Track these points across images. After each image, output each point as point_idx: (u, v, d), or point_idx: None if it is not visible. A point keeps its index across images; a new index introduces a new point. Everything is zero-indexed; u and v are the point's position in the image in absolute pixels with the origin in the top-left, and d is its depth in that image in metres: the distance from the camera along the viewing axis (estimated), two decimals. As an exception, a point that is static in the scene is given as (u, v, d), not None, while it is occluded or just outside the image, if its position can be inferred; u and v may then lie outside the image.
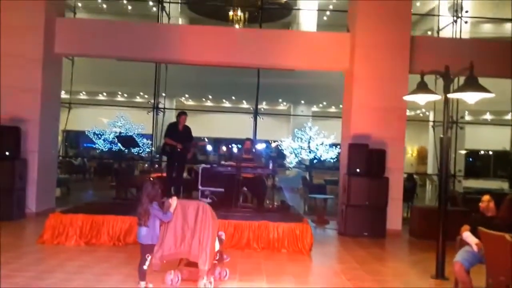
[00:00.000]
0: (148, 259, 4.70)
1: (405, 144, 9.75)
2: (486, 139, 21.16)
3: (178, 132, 9.30)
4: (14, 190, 8.40)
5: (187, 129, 9.47)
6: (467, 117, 16.78)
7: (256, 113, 12.32)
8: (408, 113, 9.49)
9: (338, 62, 9.77)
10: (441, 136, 6.09)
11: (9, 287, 4.61)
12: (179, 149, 9.13)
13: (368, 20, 9.29)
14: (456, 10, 12.53)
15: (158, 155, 14.09)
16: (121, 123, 19.88)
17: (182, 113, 9.60)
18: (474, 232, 4.76)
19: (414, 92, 6.15)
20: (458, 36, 12.30)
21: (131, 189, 10.01)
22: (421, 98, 6.18)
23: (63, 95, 12.13)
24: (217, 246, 5.07)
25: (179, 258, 5.09)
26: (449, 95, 5.88)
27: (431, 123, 15.08)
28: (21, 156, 8.76)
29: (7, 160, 8.43)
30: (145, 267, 4.68)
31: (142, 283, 4.67)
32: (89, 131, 19.96)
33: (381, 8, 9.23)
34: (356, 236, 8.40)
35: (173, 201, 4.97)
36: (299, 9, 20.26)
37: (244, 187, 9.02)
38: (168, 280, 4.93)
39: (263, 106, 21.37)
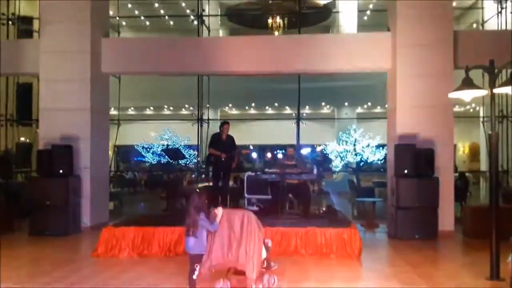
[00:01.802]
0: (197, 268, 4.80)
1: (455, 141, 9.45)
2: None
3: (221, 142, 9.44)
4: (69, 206, 8.76)
5: (231, 138, 9.60)
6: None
7: (298, 118, 12.32)
8: (457, 109, 9.25)
9: (380, 63, 9.63)
10: (490, 132, 5.89)
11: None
12: (223, 159, 9.26)
13: (408, 18, 9.11)
14: (501, 1, 12.07)
15: (204, 166, 14.32)
16: (167, 135, 20.37)
17: (224, 123, 9.74)
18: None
19: (459, 88, 5.97)
20: (503, 28, 11.84)
21: (180, 200, 10.22)
22: (467, 94, 5.99)
23: (112, 111, 12.58)
24: (264, 254, 5.11)
25: (227, 267, 5.16)
26: (495, 90, 5.68)
27: (481, 119, 14.54)
28: (74, 173, 9.14)
29: (62, 178, 8.82)
30: (194, 276, 4.78)
31: (193, 293, 4.77)
32: (138, 145, 20.57)
33: (421, 4, 9.03)
34: (407, 239, 8.21)
35: (219, 211, 5.07)
36: (337, 12, 20.12)
37: (289, 194, 9.03)
38: (218, 288, 5.01)
39: (305, 110, 21.34)
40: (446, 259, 7.20)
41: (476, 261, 6.58)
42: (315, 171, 8.79)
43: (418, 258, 6.91)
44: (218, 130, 9.85)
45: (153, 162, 20.34)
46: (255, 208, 9.00)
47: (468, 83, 5.90)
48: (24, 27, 13.36)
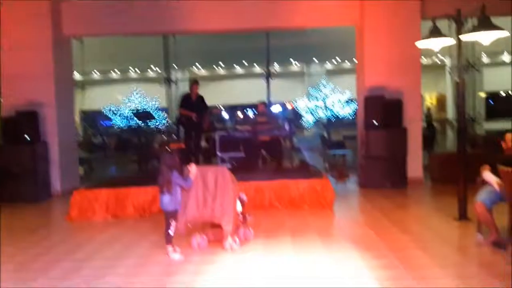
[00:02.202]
0: (173, 224, 4.83)
1: (423, 93, 9.58)
2: (505, 80, 20.66)
3: (192, 102, 9.34)
4: (38, 173, 8.61)
5: (201, 98, 9.49)
6: (484, 59, 16.39)
7: (268, 75, 12.25)
8: (424, 61, 9.30)
9: (347, 16, 9.53)
10: (457, 80, 5.98)
11: (43, 264, 4.78)
12: (194, 119, 9.18)
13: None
14: None
15: (175, 127, 14.20)
16: (135, 98, 20.00)
17: (193, 82, 9.61)
18: (494, 172, 4.74)
19: (427, 37, 6.01)
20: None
21: (152, 162, 10.15)
22: (434, 44, 6.04)
23: (76, 76, 12.23)
24: (239, 207, 5.17)
25: (203, 222, 5.20)
26: (463, 38, 5.73)
27: (448, 69, 14.78)
28: (41, 139, 8.94)
29: (28, 144, 8.61)
30: (171, 232, 4.81)
31: (170, 248, 4.80)
32: (105, 109, 20.15)
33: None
34: (378, 188, 8.42)
35: (192, 168, 5.06)
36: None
37: (262, 150, 9.07)
38: (194, 243, 5.06)
39: (275, 68, 21.20)
40: (415, 205, 7.45)
41: (444, 204, 6.82)
42: (286, 126, 8.81)
43: (388, 205, 7.11)
44: (188, 91, 9.71)
45: (121, 126, 20.00)
46: (228, 165, 9.01)
47: (435, 32, 5.94)
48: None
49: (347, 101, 18.10)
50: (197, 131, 9.54)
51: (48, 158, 9.03)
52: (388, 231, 5.53)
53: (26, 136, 8.61)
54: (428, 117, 14.19)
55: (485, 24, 5.23)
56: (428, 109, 18.91)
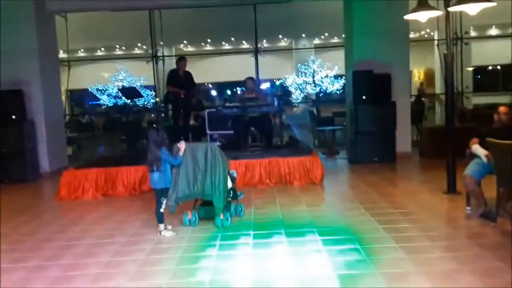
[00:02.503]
0: (164, 202, 4.82)
1: (411, 67, 9.58)
2: (493, 54, 20.67)
3: (179, 79, 9.22)
4: (26, 152, 8.52)
5: (188, 75, 9.37)
6: (472, 33, 16.35)
7: (256, 51, 12.13)
8: (412, 35, 9.26)
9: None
10: (445, 52, 5.96)
11: (33, 243, 4.76)
12: (182, 96, 9.09)
13: None
14: None
15: (163, 105, 14.08)
16: (122, 76, 19.74)
17: (181, 59, 9.47)
18: (483, 145, 4.77)
19: (414, 10, 5.96)
20: None
21: (141, 140, 10.08)
22: (422, 16, 6.00)
23: (61, 54, 12.00)
24: (229, 184, 5.17)
25: (194, 199, 5.20)
26: (450, 9, 5.69)
27: (436, 42, 14.73)
28: (28, 118, 8.81)
29: (15, 123, 8.49)
30: (161, 210, 4.80)
31: (161, 226, 4.81)
32: (92, 88, 19.89)
33: None
34: (367, 163, 8.47)
35: (182, 145, 5.04)
36: None
37: (251, 127, 9.04)
38: (186, 220, 5.06)
39: (263, 44, 21.00)
40: (404, 179, 7.52)
41: (433, 178, 6.90)
42: (275, 103, 8.76)
43: (377, 180, 7.17)
44: (175, 67, 9.59)
45: (109, 105, 19.77)
46: (217, 143, 8.98)
47: (423, 4, 5.90)
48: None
49: (335, 77, 18.02)
50: (186, 109, 9.46)
51: (35, 137, 8.92)
52: (377, 205, 5.57)
53: (12, 115, 8.47)
54: (421, 92, 14.22)
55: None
56: (421, 83, 18.93)
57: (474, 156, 4.92)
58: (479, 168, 4.81)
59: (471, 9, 5.32)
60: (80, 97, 23.99)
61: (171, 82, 9.28)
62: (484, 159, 4.71)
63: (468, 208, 5.01)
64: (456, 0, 5.47)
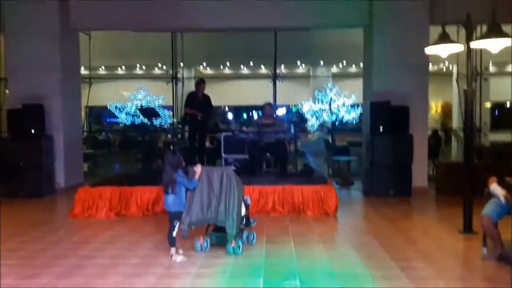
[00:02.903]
0: (177, 225, 4.80)
1: (429, 100, 9.54)
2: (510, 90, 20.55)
3: (197, 101, 9.31)
4: (42, 167, 8.61)
5: (206, 98, 9.47)
6: (491, 69, 16.32)
7: (275, 77, 12.21)
8: (431, 67, 9.26)
9: (356, 18, 9.53)
10: (465, 88, 5.94)
11: (46, 260, 4.77)
12: (199, 118, 9.16)
13: (386, -27, 9.00)
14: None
15: (180, 126, 14.19)
16: (141, 95, 20.00)
17: (200, 81, 9.58)
18: (501, 184, 4.70)
19: (436, 43, 5.96)
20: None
21: (156, 160, 10.13)
22: (443, 50, 5.97)
23: (83, 71, 12.22)
24: (243, 211, 5.14)
25: (207, 224, 5.18)
26: (472, 45, 5.69)
27: (454, 77, 14.71)
28: (47, 133, 8.93)
29: (33, 138, 8.61)
30: (174, 234, 4.78)
31: (173, 250, 4.78)
32: (111, 105, 20.15)
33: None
34: (382, 195, 8.38)
35: (198, 168, 5.05)
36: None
37: (267, 153, 9.05)
38: (197, 245, 5.03)
39: (281, 70, 21.17)
40: (420, 214, 7.39)
41: (449, 216, 6.79)
42: (292, 130, 8.77)
43: (392, 214, 7.08)
44: (194, 89, 9.69)
45: (126, 123, 20.00)
46: (232, 167, 8.98)
47: (444, 38, 5.89)
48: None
49: (352, 106, 18.04)
50: (202, 131, 9.51)
51: (53, 152, 9.02)
52: (392, 241, 5.49)
53: (31, 130, 8.60)
54: (444, 126, 14.13)
55: (495, 31, 5.18)
56: (444, 119, 18.81)
57: (492, 195, 4.84)
58: (497, 208, 4.72)
59: (493, 47, 5.31)
60: (98, 114, 24.30)
61: (189, 104, 9.37)
62: (503, 200, 4.63)
63: (485, 249, 4.90)
64: (478, 35, 5.48)
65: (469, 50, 5.80)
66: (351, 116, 17.80)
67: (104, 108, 20.72)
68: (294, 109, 22.81)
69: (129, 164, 14.17)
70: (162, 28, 11.11)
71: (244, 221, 5.23)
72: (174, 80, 12.74)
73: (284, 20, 9.74)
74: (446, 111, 23.10)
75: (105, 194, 7.03)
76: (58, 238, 5.68)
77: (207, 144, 10.77)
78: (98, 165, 13.67)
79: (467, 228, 5.77)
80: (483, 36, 5.29)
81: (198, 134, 9.47)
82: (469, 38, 5.70)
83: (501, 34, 5.12)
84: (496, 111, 21.60)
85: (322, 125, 18.29)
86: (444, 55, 6.08)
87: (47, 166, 8.79)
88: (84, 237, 5.80)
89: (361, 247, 5.26)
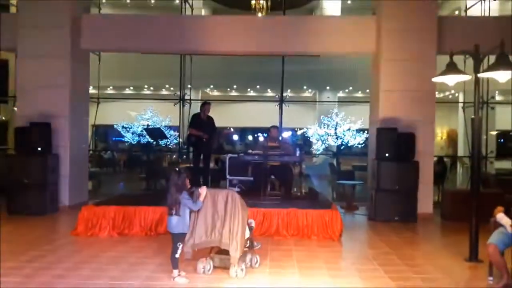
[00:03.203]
0: (180, 247, 4.77)
1: (435, 127, 9.55)
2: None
3: (202, 122, 9.37)
4: (47, 185, 8.61)
5: (211, 119, 9.53)
6: (498, 97, 16.34)
7: (281, 100, 12.28)
8: (436, 95, 9.28)
9: (364, 46, 9.62)
10: (473, 117, 5.94)
11: (47, 279, 4.74)
12: (204, 139, 9.19)
13: (393, 2, 9.10)
14: (484, -12, 12.13)
15: (185, 146, 14.24)
16: (148, 115, 20.15)
17: (205, 103, 9.66)
18: (508, 213, 4.67)
19: (443, 73, 6.00)
20: (486, 14, 11.93)
21: (160, 181, 10.14)
22: (451, 79, 6.03)
23: (91, 90, 12.33)
24: (247, 234, 5.11)
25: (210, 247, 5.14)
26: (480, 75, 5.72)
27: (461, 105, 14.73)
28: (53, 151, 8.97)
29: (39, 155, 8.64)
30: (177, 255, 4.75)
31: (175, 272, 4.75)
32: (117, 125, 20.28)
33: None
34: (387, 221, 8.32)
35: (203, 190, 5.03)
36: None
37: (271, 175, 9.04)
38: (200, 268, 4.99)
39: (288, 93, 21.30)
40: (425, 241, 7.32)
41: (454, 243, 6.72)
42: (298, 153, 8.76)
43: (397, 240, 7.01)
44: (199, 111, 9.76)
45: (132, 142, 20.12)
46: (237, 189, 8.96)
47: (452, 68, 5.94)
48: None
49: (357, 131, 18.07)
50: (206, 152, 9.53)
51: (58, 171, 9.04)
52: (397, 268, 5.43)
53: (38, 147, 8.65)
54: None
55: (503, 61, 5.22)
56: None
57: (498, 224, 4.80)
58: (504, 238, 4.68)
59: (501, 77, 5.35)
60: (104, 132, 24.47)
61: (194, 125, 9.43)
62: (509, 229, 4.59)
63: (490, 278, 4.85)
64: (487, 66, 5.51)
65: (477, 80, 5.83)
66: (356, 141, 17.81)
67: (110, 126, 20.86)
68: (298, 135, 22.90)
69: (133, 183, 14.19)
70: (172, 51, 11.25)
71: (248, 244, 5.20)
72: (181, 101, 12.82)
73: (294, 47, 9.85)
74: (452, 138, 23.08)
75: (109, 214, 7.01)
76: (60, 258, 5.65)
77: (211, 165, 10.78)
78: (102, 183, 13.68)
79: (473, 256, 5.70)
80: (492, 67, 5.32)
81: (203, 155, 9.49)
82: (477, 69, 5.73)
83: (509, 65, 5.15)
84: (502, 139, 21.54)
85: (327, 149, 18.31)
86: (451, 83, 6.12)
87: (52, 184, 8.79)
88: (86, 256, 5.76)
89: (366, 275, 5.19)
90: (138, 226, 7.01)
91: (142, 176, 13.52)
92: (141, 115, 20.13)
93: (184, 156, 14.07)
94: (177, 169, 5.38)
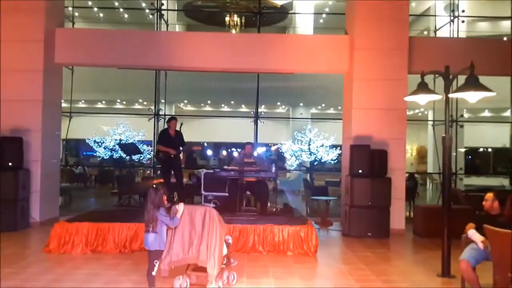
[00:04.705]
0: (156, 265, 4.73)
1: (406, 144, 9.77)
2: (485, 136, 21.25)
3: (170, 138, 9.32)
4: (18, 200, 8.41)
5: (179, 135, 9.49)
6: (466, 115, 16.86)
7: (256, 116, 12.37)
8: (407, 112, 9.51)
9: (337, 65, 9.82)
10: (443, 135, 6.13)
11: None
12: (172, 155, 9.15)
13: (366, 22, 9.34)
14: (453, 9, 12.59)
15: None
16: (121, 130, 19.94)
17: (172, 119, 9.61)
18: (479, 230, 4.80)
19: (415, 92, 6.18)
20: (455, 35, 12.37)
21: (133, 196, 10.02)
22: (422, 99, 6.22)
23: (63, 104, 12.16)
24: (224, 251, 5.11)
25: (187, 264, 5.12)
26: (450, 95, 5.92)
27: (430, 123, 15.13)
28: (24, 166, 8.78)
29: (10, 171, 8.44)
30: (153, 273, 4.71)
31: (152, 289, 4.70)
32: (89, 139, 19.99)
33: (378, 9, 9.27)
34: (360, 237, 8.43)
35: (180, 207, 5.01)
36: (295, 13, 20.35)
37: (247, 191, 9.06)
38: (177, 285, 4.96)
39: (262, 109, 21.49)
40: (398, 257, 7.44)
41: (427, 259, 6.86)
42: (273, 169, 8.83)
43: (371, 256, 7.11)
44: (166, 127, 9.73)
45: (104, 157, 19.83)
46: (212, 204, 8.95)
47: (424, 88, 6.14)
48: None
49: (330, 147, 18.32)
50: (176, 168, 9.45)
51: (29, 186, 8.85)
52: (372, 284, 5.51)
53: (9, 162, 8.46)
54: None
55: (473, 83, 5.41)
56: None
57: (470, 240, 4.94)
58: (475, 254, 4.81)
59: (471, 97, 5.54)
60: (75, 146, 24.08)
61: (161, 141, 9.37)
62: (481, 245, 4.72)
63: (463, 293, 4.97)
64: (456, 87, 5.70)
65: (447, 100, 6.03)
66: (329, 156, 18.04)
67: (82, 141, 20.56)
68: (271, 151, 23.04)
69: (104, 198, 13.97)
70: (146, 66, 11.22)
71: (225, 261, 5.19)
72: (156, 116, 12.77)
73: (267, 65, 9.96)
74: (421, 155, 23.63)
75: (82, 230, 6.89)
76: (32, 276, 5.52)
77: (185, 180, 10.71)
78: (73, 198, 13.43)
79: (446, 271, 5.83)
80: (461, 88, 5.50)
81: (174, 171, 9.42)
82: (447, 89, 5.93)
83: (478, 87, 5.36)
84: (470, 156, 22.21)
85: (300, 165, 18.47)
86: (422, 103, 6.31)
87: (23, 199, 8.59)
88: (59, 274, 5.64)
89: (341, 290, 5.26)
90: (112, 242, 6.91)
91: (114, 191, 13.31)
92: (113, 130, 19.92)
93: (158, 171, 13.95)
94: (153, 185, 5.34)
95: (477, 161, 23.17)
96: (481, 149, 23.39)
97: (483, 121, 19.94)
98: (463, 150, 16.84)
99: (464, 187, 14.39)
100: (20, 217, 8.46)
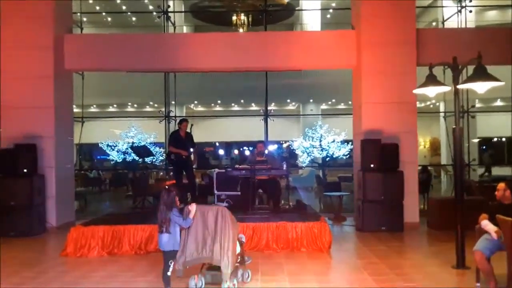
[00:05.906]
0: (171, 265, 4.79)
1: (417, 137, 9.72)
2: (498, 126, 21.01)
3: (181, 140, 9.40)
4: (34, 206, 8.55)
5: (189, 136, 9.56)
6: (478, 105, 16.71)
7: (266, 114, 12.39)
8: (418, 105, 9.46)
9: (345, 60, 9.81)
10: (454, 126, 6.10)
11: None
12: (184, 156, 9.22)
13: (373, 16, 9.30)
14: (460, 0, 12.48)
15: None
16: (133, 133, 20.10)
17: (183, 120, 9.70)
18: (492, 220, 4.79)
19: (424, 84, 6.16)
20: (463, 26, 12.26)
21: (147, 198, 10.11)
22: (431, 91, 6.19)
23: (75, 109, 12.30)
24: (238, 249, 5.15)
25: (202, 263, 5.16)
26: (459, 86, 5.89)
27: (442, 114, 15.02)
28: (39, 172, 8.92)
29: (25, 177, 8.58)
30: (168, 273, 4.77)
31: (167, 289, 4.76)
32: (102, 143, 20.18)
33: (385, 2, 9.25)
34: (374, 231, 8.42)
35: (193, 207, 5.05)
36: (302, 9, 20.32)
37: (259, 190, 9.10)
38: (192, 285, 5.00)
39: (272, 107, 21.51)
40: (412, 250, 7.41)
41: (441, 251, 6.84)
42: (285, 166, 8.84)
43: (385, 250, 7.11)
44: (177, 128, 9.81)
45: (118, 160, 20.00)
46: (225, 204, 9.00)
47: (432, 80, 6.10)
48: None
49: (342, 142, 18.27)
50: (187, 169, 9.52)
51: (45, 191, 8.98)
52: (386, 278, 5.51)
53: (24, 169, 8.59)
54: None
55: (481, 73, 5.38)
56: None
57: (483, 231, 4.92)
58: (489, 244, 4.79)
59: (480, 88, 5.51)
60: (89, 151, 24.32)
61: (172, 143, 9.45)
62: (494, 236, 4.71)
63: (478, 284, 4.96)
64: (465, 78, 5.67)
65: (456, 91, 6.00)
66: (341, 152, 17.99)
67: (94, 145, 20.75)
68: (283, 149, 23.06)
69: (119, 201, 14.10)
70: (155, 69, 11.31)
71: (239, 259, 5.23)
72: (167, 118, 12.86)
73: (276, 63, 9.98)
74: (434, 147, 23.45)
75: (98, 234, 6.99)
76: (50, 279, 5.62)
77: (197, 180, 10.78)
78: (89, 203, 13.58)
79: (460, 263, 5.82)
80: (470, 79, 5.48)
81: (186, 172, 9.49)
82: (456, 80, 5.90)
83: (487, 77, 5.32)
84: (484, 146, 22.00)
85: (312, 161, 18.46)
86: (431, 95, 6.28)
87: (39, 205, 8.73)
88: (76, 277, 5.73)
89: (356, 286, 5.26)
90: (127, 245, 7.00)
91: (129, 194, 13.44)
92: (125, 133, 20.08)
93: (171, 172, 14.05)
94: (166, 186, 5.39)
95: (491, 151, 22.92)
96: (495, 139, 23.15)
97: (494, 110, 19.71)
98: (476, 140, 16.68)
99: (478, 178, 14.27)
100: (37, 223, 8.60)
